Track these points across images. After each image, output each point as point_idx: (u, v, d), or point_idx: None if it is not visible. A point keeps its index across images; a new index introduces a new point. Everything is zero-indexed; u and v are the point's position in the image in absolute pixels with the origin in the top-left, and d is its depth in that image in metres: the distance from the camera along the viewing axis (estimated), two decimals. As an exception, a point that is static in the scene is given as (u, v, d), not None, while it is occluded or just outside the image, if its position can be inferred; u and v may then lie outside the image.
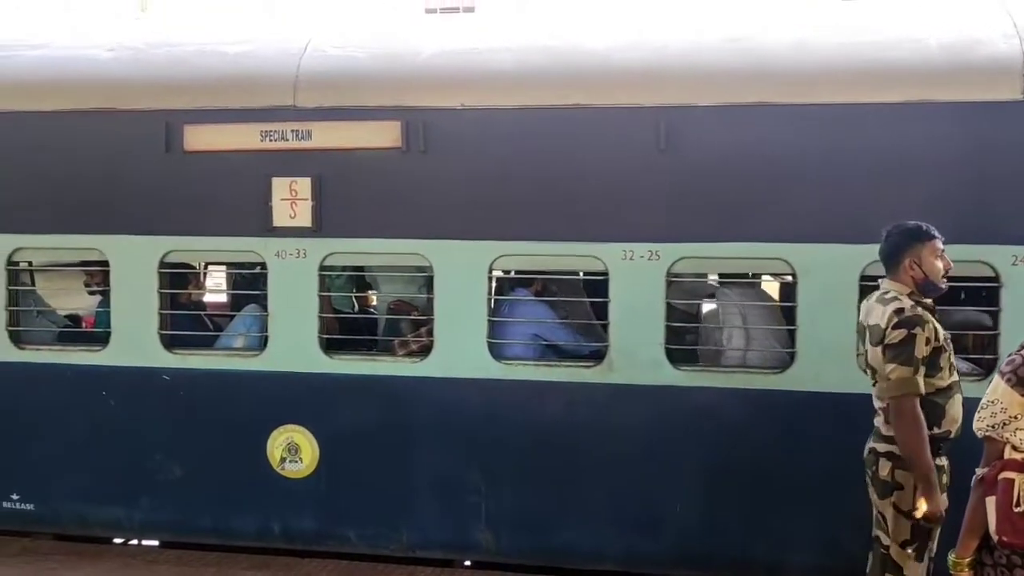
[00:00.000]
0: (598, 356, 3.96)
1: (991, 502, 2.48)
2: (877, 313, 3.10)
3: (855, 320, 3.43)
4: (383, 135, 3.97)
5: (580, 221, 3.89)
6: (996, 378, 2.59)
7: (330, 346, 4.11)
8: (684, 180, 3.83)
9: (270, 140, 4.04)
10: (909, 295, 3.11)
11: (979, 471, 2.59)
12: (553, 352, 4.18)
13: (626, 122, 3.85)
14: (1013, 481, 2.43)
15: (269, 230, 4.06)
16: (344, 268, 4.51)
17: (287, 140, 4.03)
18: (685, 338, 4.18)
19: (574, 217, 3.89)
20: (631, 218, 3.86)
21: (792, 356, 3.80)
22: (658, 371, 3.85)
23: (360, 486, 4.10)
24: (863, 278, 3.66)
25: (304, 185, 4.01)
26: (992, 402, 2.55)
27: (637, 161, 3.85)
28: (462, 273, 3.97)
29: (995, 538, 2.47)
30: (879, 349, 3.06)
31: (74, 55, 4.36)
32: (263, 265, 4.15)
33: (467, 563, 4.33)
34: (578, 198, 3.89)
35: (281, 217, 4.04)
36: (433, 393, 4.00)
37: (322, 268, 4.08)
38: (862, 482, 3.26)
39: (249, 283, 4.71)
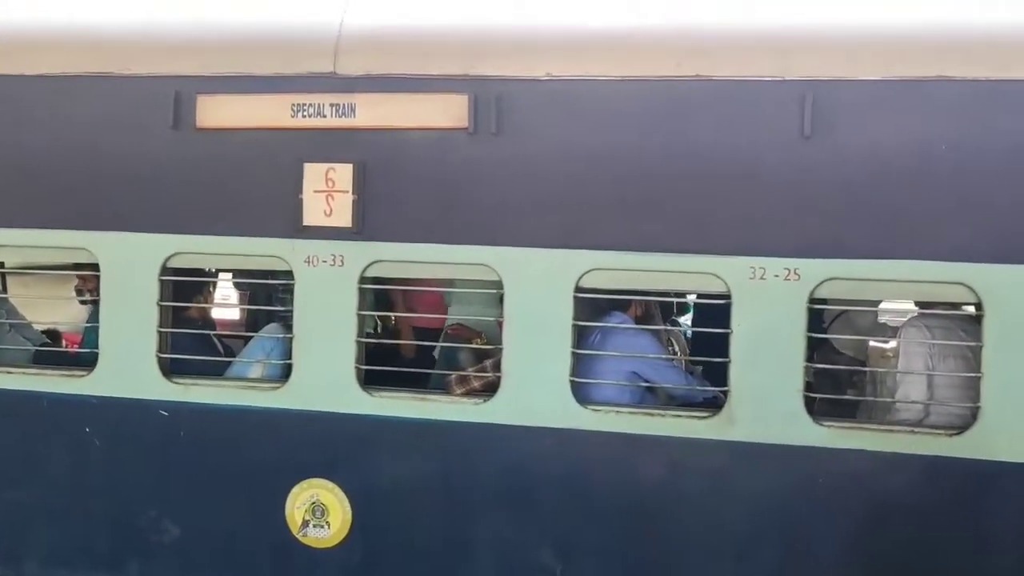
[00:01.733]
0: (716, 405, 3.06)
1: None
2: None
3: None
4: (445, 112, 3.10)
5: (694, 227, 3.01)
6: None
7: (370, 380, 3.23)
8: (837, 175, 2.91)
9: (303, 116, 3.19)
10: None
11: None
12: (656, 396, 3.26)
13: (757, 99, 2.95)
14: None
15: (298, 230, 3.19)
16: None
17: (324, 116, 3.18)
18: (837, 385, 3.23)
19: (687, 222, 3.02)
20: (763, 225, 2.95)
21: (975, 413, 2.85)
22: (794, 427, 2.92)
23: (403, 561, 3.19)
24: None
25: (344, 174, 3.15)
26: None
27: (771, 151, 2.95)
28: (541, 290, 3.09)
29: None
30: None
31: (61, 9, 3.54)
32: (289, 274, 3.28)
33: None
34: (693, 197, 3.01)
35: (314, 214, 3.17)
36: (499, 444, 3.12)
37: (363, 280, 3.21)
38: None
39: (270, 297, 3.84)
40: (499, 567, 3.17)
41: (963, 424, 2.92)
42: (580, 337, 3.17)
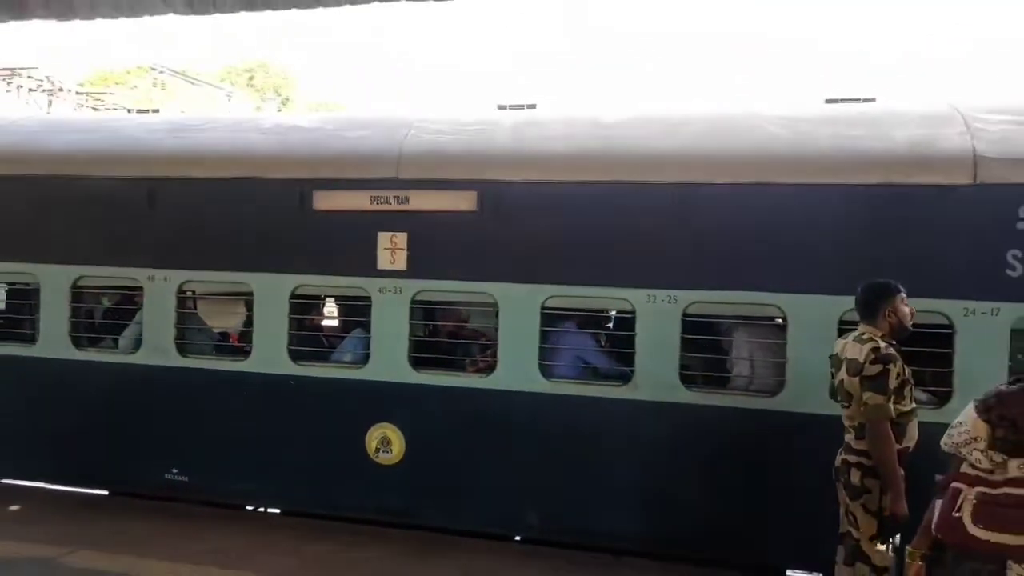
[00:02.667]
0: (627, 378, 4.74)
1: (938, 504, 2.77)
2: (853, 349, 3.72)
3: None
4: (463, 200, 4.91)
5: (613, 270, 4.70)
6: (969, 405, 2.84)
7: (417, 363, 5.03)
8: (696, 240, 4.61)
9: (378, 203, 5.03)
10: (882, 337, 3.72)
11: (939, 478, 2.87)
12: (593, 374, 4.98)
13: (645, 193, 4.66)
14: (960, 491, 2.70)
15: (375, 272, 5.01)
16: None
17: (390, 203, 5.01)
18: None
19: (608, 267, 4.70)
20: (654, 269, 4.65)
21: (783, 383, 4.52)
22: (673, 391, 4.62)
23: (438, 474, 4.96)
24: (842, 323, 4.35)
25: (402, 238, 4.97)
26: (960, 423, 2.81)
27: (661, 225, 4.64)
28: (520, 309, 4.82)
29: (933, 531, 2.78)
30: (856, 379, 3.66)
31: (235, 135, 5.48)
32: (369, 298, 5.08)
33: (517, 538, 5.15)
34: (612, 252, 4.70)
35: (384, 262, 5.01)
36: (496, 402, 4.84)
37: (413, 302, 5.01)
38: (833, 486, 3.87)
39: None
40: (491, 478, 4.86)
41: (776, 390, 4.56)
42: (548, 337, 4.91)
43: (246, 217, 5.27)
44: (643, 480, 4.69)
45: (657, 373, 4.64)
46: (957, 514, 2.66)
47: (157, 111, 6.78)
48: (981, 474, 2.69)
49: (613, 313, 5.05)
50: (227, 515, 5.56)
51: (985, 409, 2.72)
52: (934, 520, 2.76)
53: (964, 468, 2.74)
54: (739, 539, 4.60)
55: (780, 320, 4.65)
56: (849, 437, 3.80)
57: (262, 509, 5.76)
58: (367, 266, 5.03)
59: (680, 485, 4.64)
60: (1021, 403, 2.69)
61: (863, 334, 3.77)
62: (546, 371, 4.83)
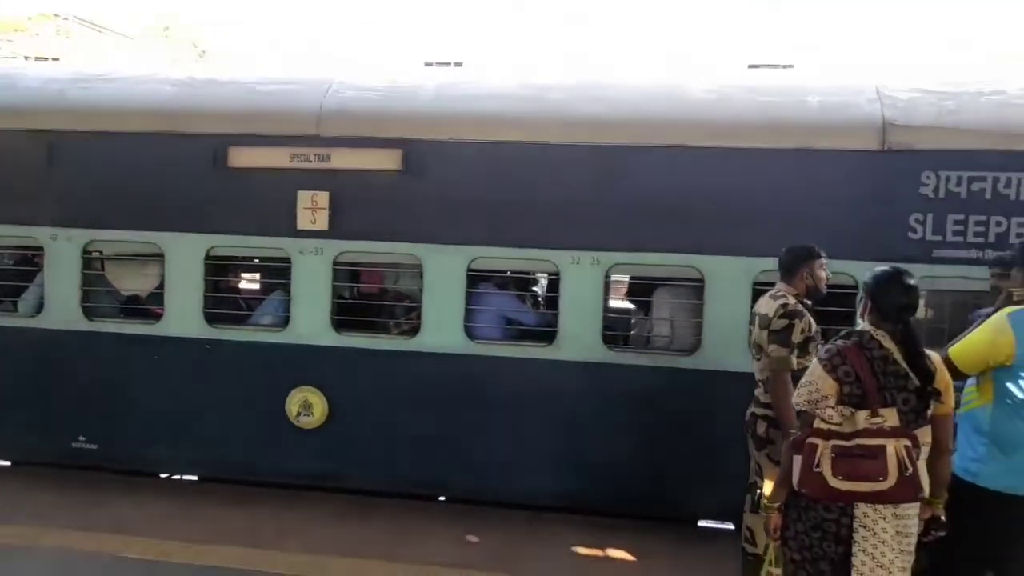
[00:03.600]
0: (551, 337, 4.79)
1: (797, 460, 2.83)
2: (766, 305, 3.87)
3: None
4: (387, 160, 4.80)
5: (539, 232, 4.72)
6: (815, 362, 2.91)
7: (339, 325, 4.95)
8: (620, 202, 4.66)
9: (298, 161, 4.87)
10: (795, 296, 3.86)
11: (793, 435, 2.96)
12: (519, 335, 5.00)
13: (571, 156, 4.67)
14: (817, 446, 2.77)
15: (295, 232, 4.88)
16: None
17: (311, 161, 4.86)
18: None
19: (534, 229, 4.72)
20: (579, 231, 4.68)
21: (700, 342, 4.65)
22: (595, 350, 4.69)
23: (361, 437, 4.93)
24: (756, 284, 4.50)
25: (323, 197, 4.84)
26: (809, 382, 2.87)
27: (585, 187, 4.67)
28: (446, 270, 4.79)
29: (796, 487, 2.84)
30: (764, 333, 3.80)
31: (144, 87, 5.20)
32: (288, 260, 4.95)
33: (442, 498, 5.18)
34: (538, 214, 4.71)
35: (304, 222, 4.87)
36: (420, 364, 4.83)
37: (335, 263, 4.91)
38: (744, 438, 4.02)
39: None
40: (416, 440, 4.86)
41: (693, 348, 4.72)
42: (473, 298, 4.88)
43: (156, 174, 5.02)
44: (566, 439, 4.78)
45: (580, 334, 4.71)
46: (818, 469, 2.74)
47: (57, 60, 6.34)
48: (834, 428, 2.78)
49: (539, 275, 5.08)
50: (141, 483, 5.38)
51: (831, 367, 2.80)
52: (795, 476, 2.83)
53: (817, 424, 2.82)
54: (657, 494, 4.75)
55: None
56: (758, 391, 3.95)
57: (178, 477, 5.59)
58: (286, 226, 4.89)
59: (601, 443, 4.74)
60: (859, 357, 2.79)
61: (778, 291, 3.91)
62: (471, 332, 4.83)
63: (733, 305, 4.54)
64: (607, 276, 4.71)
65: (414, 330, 4.90)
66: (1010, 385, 2.98)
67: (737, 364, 4.46)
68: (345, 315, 5.02)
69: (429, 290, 4.83)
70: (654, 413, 4.68)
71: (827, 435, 2.78)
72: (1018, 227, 4.33)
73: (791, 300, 3.82)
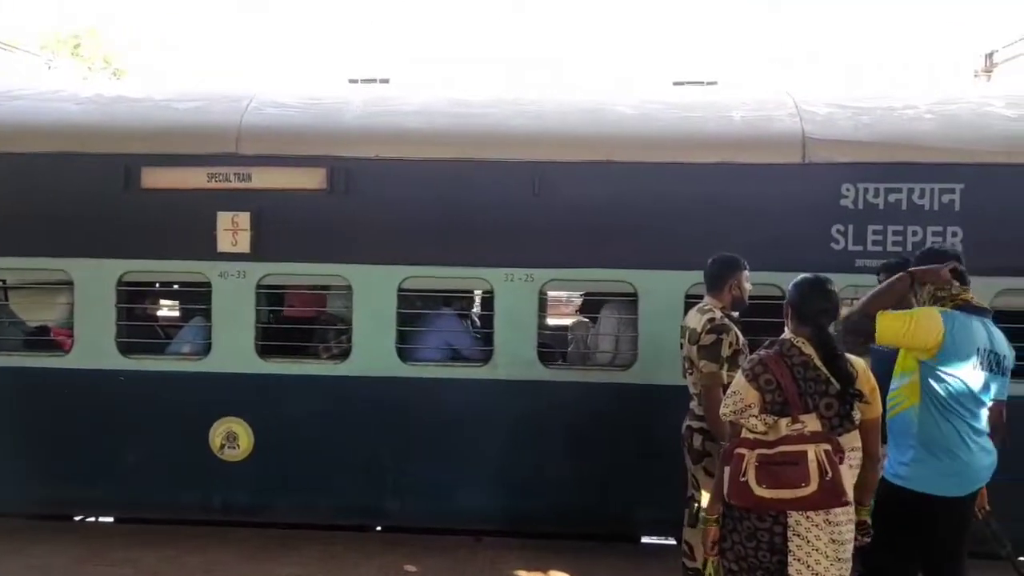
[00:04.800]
0: (488, 358, 4.69)
1: (727, 471, 2.85)
2: (695, 319, 3.88)
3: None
4: (311, 178, 4.63)
5: (472, 250, 4.63)
6: (739, 374, 2.95)
7: (264, 351, 4.73)
8: (552, 218, 4.61)
9: (216, 180, 4.64)
10: (721, 309, 3.89)
11: (724, 446, 2.99)
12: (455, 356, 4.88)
13: (500, 172, 4.61)
14: (743, 456, 2.78)
15: (215, 254, 4.64)
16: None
17: (230, 181, 4.64)
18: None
19: (467, 247, 4.63)
20: (512, 248, 4.62)
21: (635, 357, 4.63)
22: (532, 369, 4.62)
23: (289, 470, 4.70)
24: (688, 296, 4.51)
25: (244, 218, 4.63)
26: (734, 392, 2.89)
27: (517, 204, 4.61)
28: (376, 291, 4.64)
29: (726, 498, 2.85)
30: (695, 348, 3.82)
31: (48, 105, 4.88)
32: (208, 284, 4.70)
33: (378, 528, 5.00)
34: (469, 232, 4.63)
35: (225, 244, 4.64)
36: (351, 389, 4.65)
37: (259, 287, 4.70)
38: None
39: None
40: (349, 468, 4.67)
41: (631, 363, 4.68)
42: (414, 320, 4.74)
43: (63, 197, 4.71)
44: (505, 461, 4.67)
45: (515, 352, 4.63)
46: (743, 479, 2.74)
47: None
48: (759, 437, 2.79)
49: (474, 294, 4.99)
50: (54, 527, 5.00)
51: (753, 376, 2.82)
52: (725, 487, 2.84)
53: (744, 434, 2.83)
54: (599, 512, 4.69)
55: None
56: (693, 404, 3.96)
57: (93, 519, 5.23)
58: (206, 249, 4.65)
59: (541, 463, 4.66)
60: (780, 365, 2.81)
61: (705, 305, 3.93)
62: (404, 355, 4.70)
63: (666, 319, 4.54)
64: (542, 293, 4.66)
65: (344, 354, 4.73)
66: (935, 385, 3.02)
67: (673, 378, 4.40)
68: (271, 340, 4.80)
69: (359, 312, 4.67)
70: (593, 430, 4.62)
71: (753, 444, 2.79)
72: (933, 236, 4.50)
73: (717, 314, 3.84)
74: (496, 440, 4.67)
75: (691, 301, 4.45)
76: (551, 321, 5.47)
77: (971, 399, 3.02)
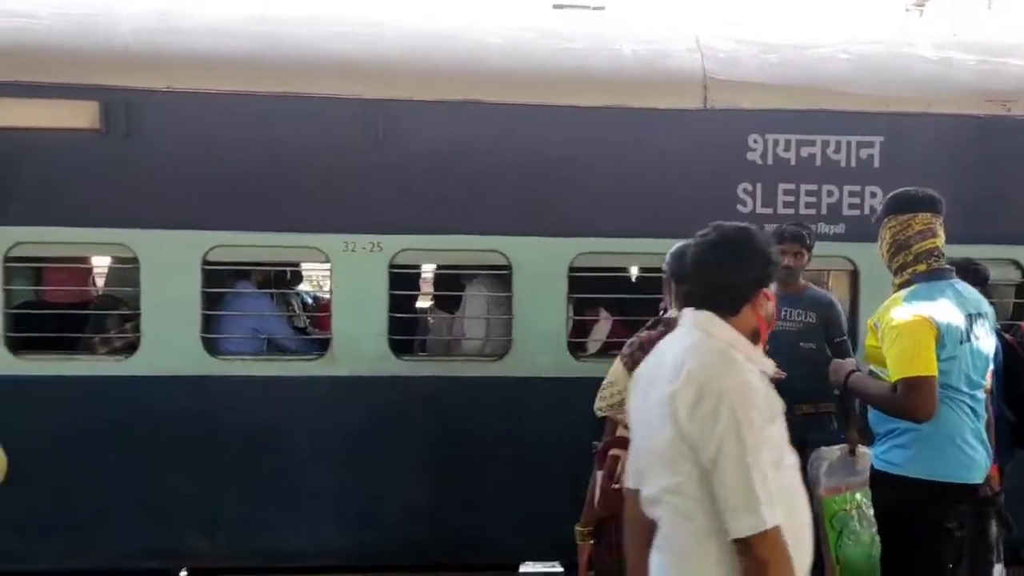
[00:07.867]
0: (322, 348, 3.74)
1: (599, 475, 2.50)
2: None
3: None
4: (77, 115, 3.48)
5: (299, 211, 3.63)
6: (616, 361, 2.59)
7: (17, 344, 3.54)
8: (403, 172, 3.68)
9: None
10: None
11: (596, 446, 2.61)
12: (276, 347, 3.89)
13: (333, 112, 3.63)
14: (619, 458, 2.43)
15: None
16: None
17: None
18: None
19: (293, 207, 3.63)
20: (352, 209, 3.66)
21: (509, 344, 3.78)
22: (382, 362, 3.68)
23: (51, 499, 3.56)
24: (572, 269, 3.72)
25: (-19, 167, 3.43)
26: (610, 383, 2.57)
27: (353, 151, 3.65)
28: (172, 264, 3.57)
29: (596, 507, 2.51)
30: None
31: None
32: None
33: (183, 572, 3.91)
34: (295, 188, 3.63)
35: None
36: (138, 394, 3.56)
37: (6, 259, 3.51)
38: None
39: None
40: (137, 498, 3.59)
41: (504, 352, 3.80)
42: (213, 301, 3.72)
43: None
44: (348, 478, 3.73)
45: (359, 341, 3.68)
46: (616, 486, 2.35)
47: None
48: None
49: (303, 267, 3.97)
50: None
51: (633, 362, 2.42)
52: (596, 493, 2.52)
53: (620, 431, 2.46)
54: (467, 537, 3.82)
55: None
56: None
57: None
58: None
59: (394, 479, 3.74)
60: None
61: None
62: (212, 346, 3.64)
63: (546, 297, 3.72)
64: (392, 265, 3.71)
65: (129, 347, 3.61)
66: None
67: (555, 369, 3.69)
68: (25, 331, 3.62)
69: (149, 292, 3.57)
70: (458, 436, 3.76)
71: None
72: (851, 196, 3.87)
73: None
74: (336, 453, 3.71)
75: (576, 276, 3.71)
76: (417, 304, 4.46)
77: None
